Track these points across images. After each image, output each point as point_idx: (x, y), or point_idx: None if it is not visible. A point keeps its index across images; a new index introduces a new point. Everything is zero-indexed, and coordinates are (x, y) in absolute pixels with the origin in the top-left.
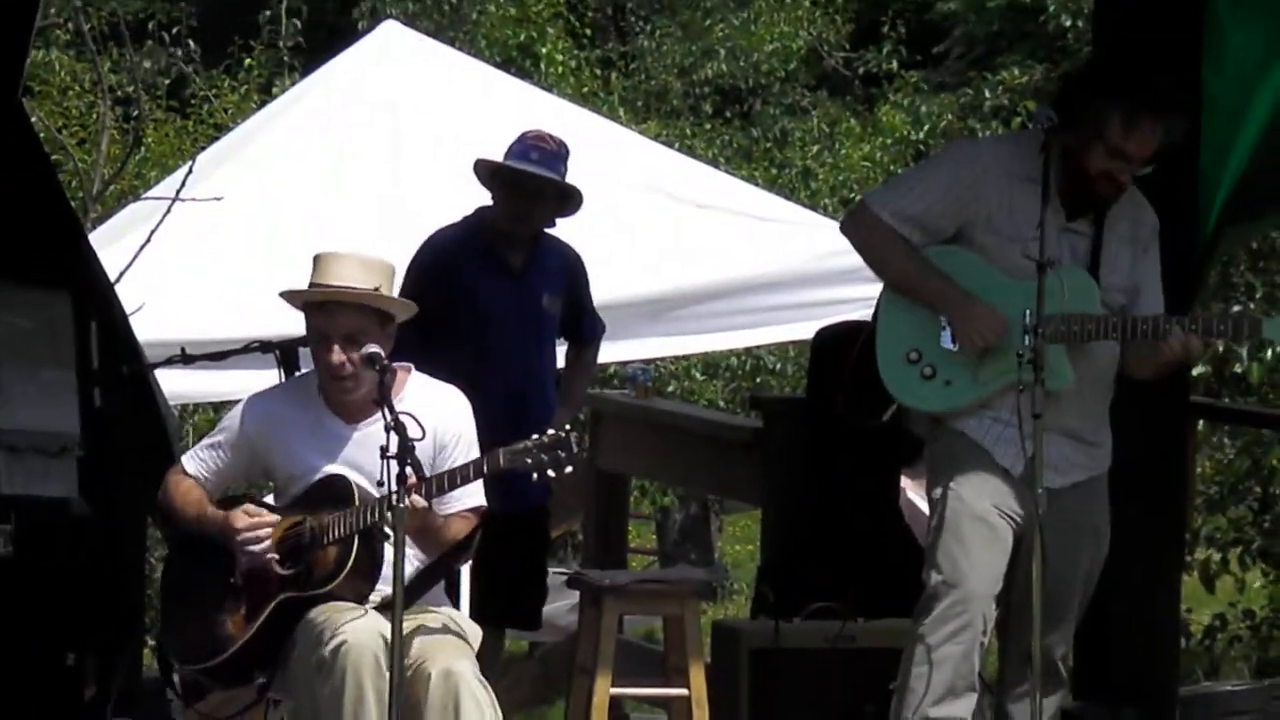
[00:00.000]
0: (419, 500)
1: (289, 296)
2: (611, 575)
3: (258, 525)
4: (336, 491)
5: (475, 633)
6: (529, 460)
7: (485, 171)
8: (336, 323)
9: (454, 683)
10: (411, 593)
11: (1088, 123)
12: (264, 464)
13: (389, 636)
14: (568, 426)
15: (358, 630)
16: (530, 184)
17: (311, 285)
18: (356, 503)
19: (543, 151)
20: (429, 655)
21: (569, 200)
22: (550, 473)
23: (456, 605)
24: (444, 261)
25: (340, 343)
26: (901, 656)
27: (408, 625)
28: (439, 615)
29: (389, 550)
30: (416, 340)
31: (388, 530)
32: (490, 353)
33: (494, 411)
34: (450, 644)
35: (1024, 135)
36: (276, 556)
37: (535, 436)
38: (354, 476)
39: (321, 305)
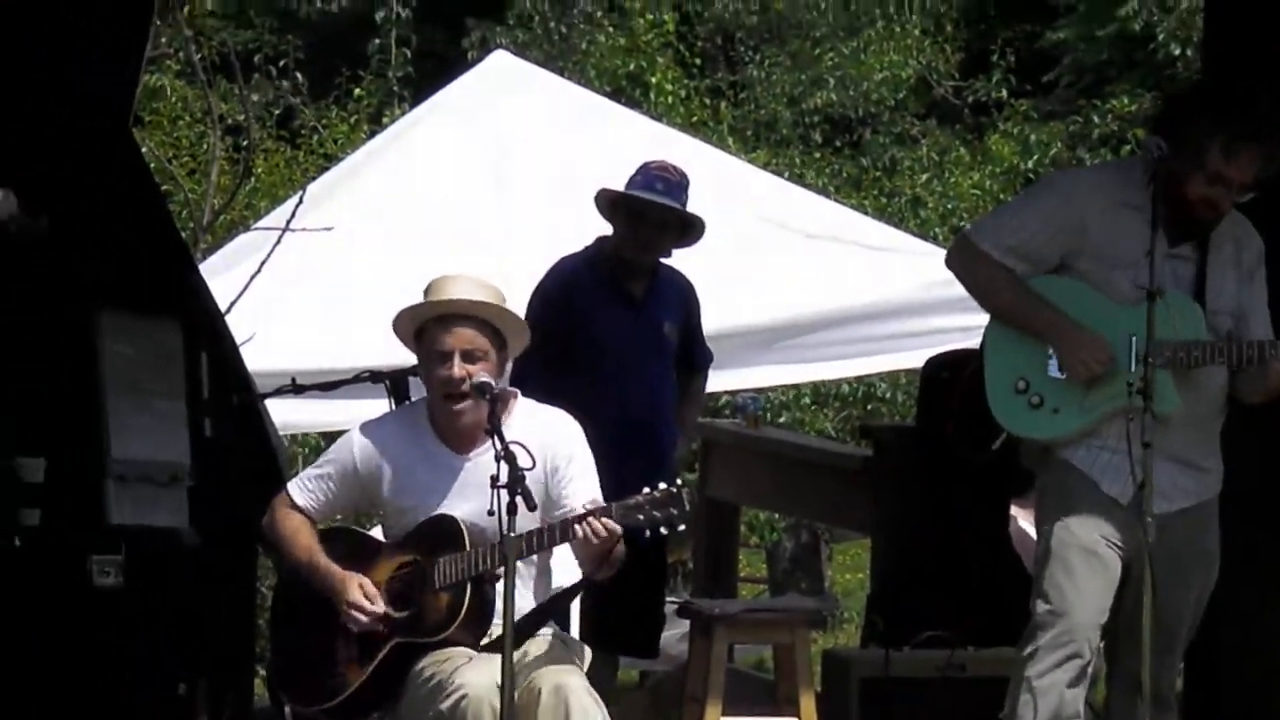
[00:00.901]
0: (607, 524)
1: (410, 313)
2: (722, 604)
3: (365, 608)
4: (446, 532)
5: (584, 652)
6: (640, 517)
7: (607, 202)
8: (456, 336)
9: (563, 696)
10: (524, 631)
11: (1189, 148)
12: (372, 495)
13: (499, 680)
14: (679, 482)
15: (475, 684)
16: (654, 214)
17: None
18: (467, 546)
19: (667, 182)
20: (538, 674)
21: (691, 230)
22: (662, 530)
23: (566, 628)
24: (567, 290)
25: (460, 357)
26: (1009, 685)
27: (517, 655)
28: (548, 638)
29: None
30: (539, 369)
31: (499, 574)
32: (611, 380)
33: (617, 440)
34: (559, 661)
35: (1127, 163)
36: (387, 609)
37: (647, 491)
38: (464, 511)
39: (441, 320)
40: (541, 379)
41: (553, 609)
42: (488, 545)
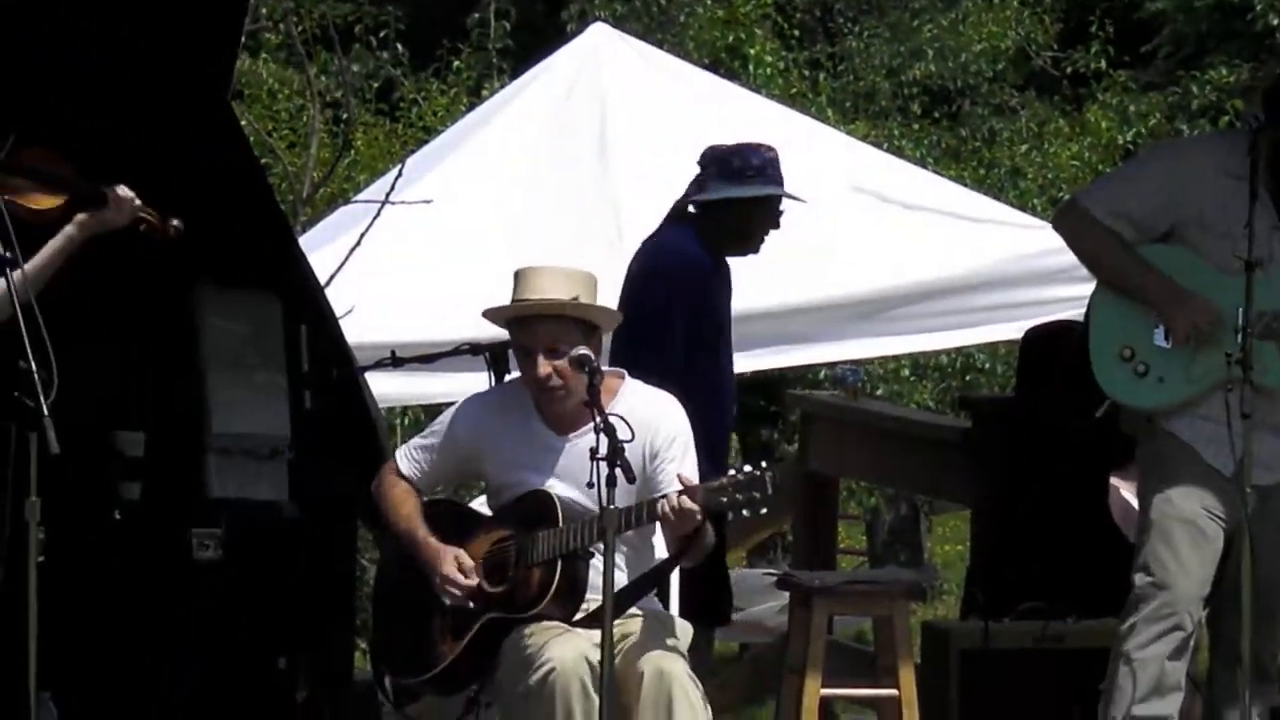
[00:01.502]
0: (687, 503)
1: (492, 315)
2: (821, 576)
3: (459, 582)
4: (542, 508)
5: (686, 631)
6: (723, 499)
7: (749, 202)
8: (537, 336)
9: (666, 682)
10: (621, 604)
11: None
12: (475, 469)
13: (595, 655)
14: (764, 464)
15: (564, 658)
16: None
17: (512, 301)
18: (560, 523)
19: (778, 167)
20: (640, 656)
21: None
22: (745, 513)
23: (666, 606)
24: (706, 269)
25: (543, 355)
26: (1109, 656)
27: (617, 634)
28: (648, 617)
29: (597, 565)
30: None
31: (593, 550)
32: (728, 361)
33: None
34: (661, 644)
35: (1233, 133)
36: (482, 582)
37: (732, 473)
38: (563, 489)
39: (522, 320)
40: (684, 357)
41: (646, 587)
42: (580, 522)
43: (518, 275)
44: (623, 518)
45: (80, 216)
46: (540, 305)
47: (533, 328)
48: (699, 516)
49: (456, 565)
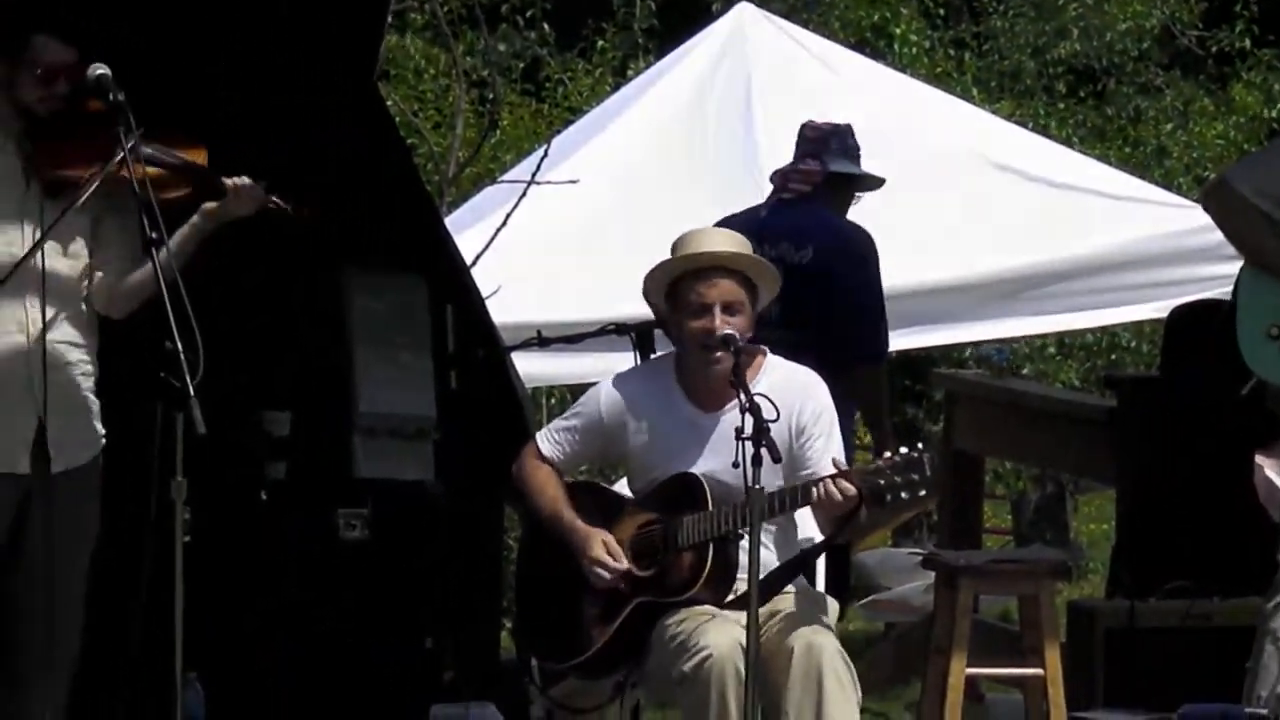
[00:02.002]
0: (846, 486)
1: (669, 265)
2: (967, 555)
3: (609, 565)
4: (689, 491)
5: (833, 607)
6: (881, 482)
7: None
8: (718, 288)
9: (816, 657)
10: (771, 587)
11: None
12: (619, 449)
13: (745, 641)
14: (920, 447)
15: (719, 644)
16: None
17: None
18: (710, 507)
19: None
20: (790, 632)
21: None
22: (903, 496)
23: (812, 582)
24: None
25: (720, 309)
26: (1255, 635)
27: (765, 613)
28: (798, 593)
29: (746, 545)
30: None
31: (743, 532)
32: None
33: None
34: (811, 620)
35: None
36: (631, 566)
37: (889, 455)
38: (709, 467)
39: (700, 273)
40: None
41: (797, 569)
42: (731, 505)
43: (685, 237)
44: (776, 501)
45: (206, 206)
46: (725, 256)
47: (712, 280)
48: (856, 500)
49: (605, 548)
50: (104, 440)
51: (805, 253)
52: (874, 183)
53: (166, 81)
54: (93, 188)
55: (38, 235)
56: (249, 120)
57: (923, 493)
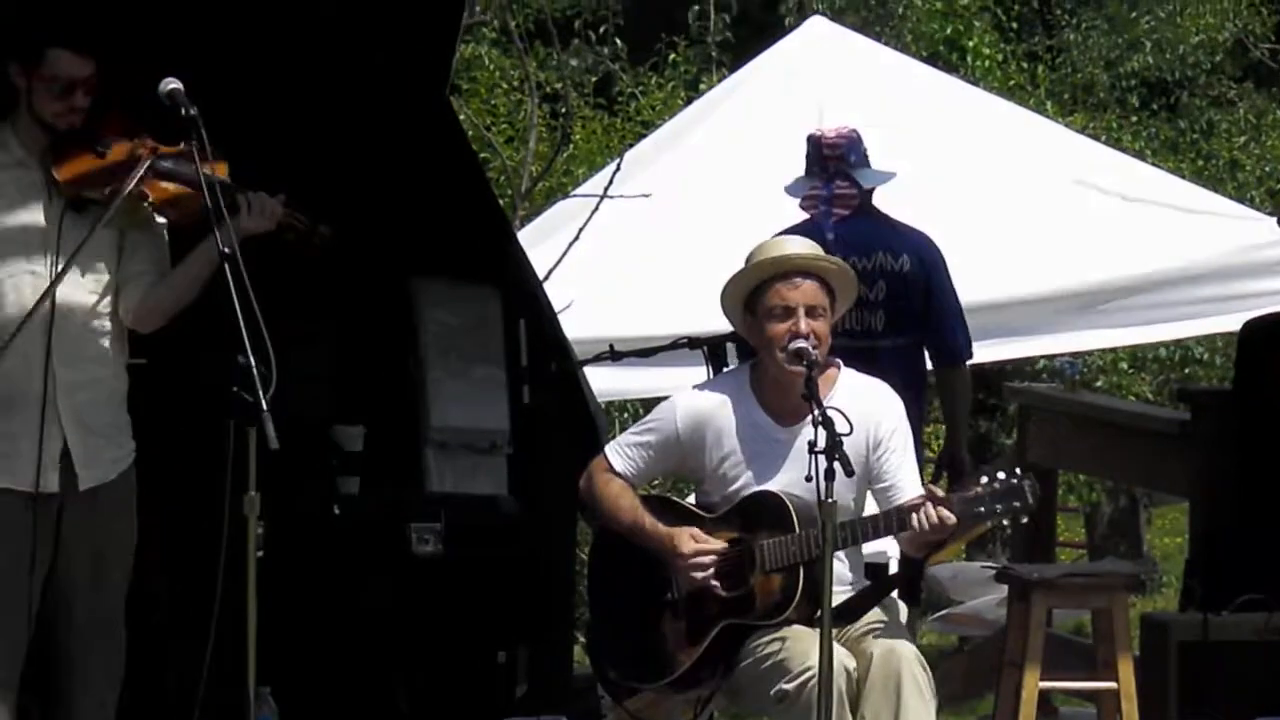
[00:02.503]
0: (945, 514)
1: (750, 272)
2: (1040, 569)
3: (703, 553)
4: (772, 511)
5: (901, 610)
6: (981, 509)
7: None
8: (801, 291)
9: (895, 662)
10: (859, 608)
11: None
12: (693, 463)
13: (850, 661)
14: (1019, 471)
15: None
16: None
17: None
18: (796, 528)
19: None
20: (870, 638)
21: None
22: (1004, 523)
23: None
24: None
25: (804, 313)
26: None
27: (853, 629)
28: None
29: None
30: None
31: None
32: None
33: None
34: (891, 627)
35: None
36: (715, 585)
37: (987, 480)
38: (786, 482)
39: (782, 276)
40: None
41: (886, 591)
42: (817, 527)
43: (763, 245)
44: (870, 526)
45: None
46: (806, 259)
47: (794, 283)
48: (952, 529)
49: (695, 541)
50: (134, 454)
51: (903, 260)
52: (886, 178)
53: (235, 96)
54: (116, 204)
55: (60, 251)
56: (321, 134)
57: (1024, 519)
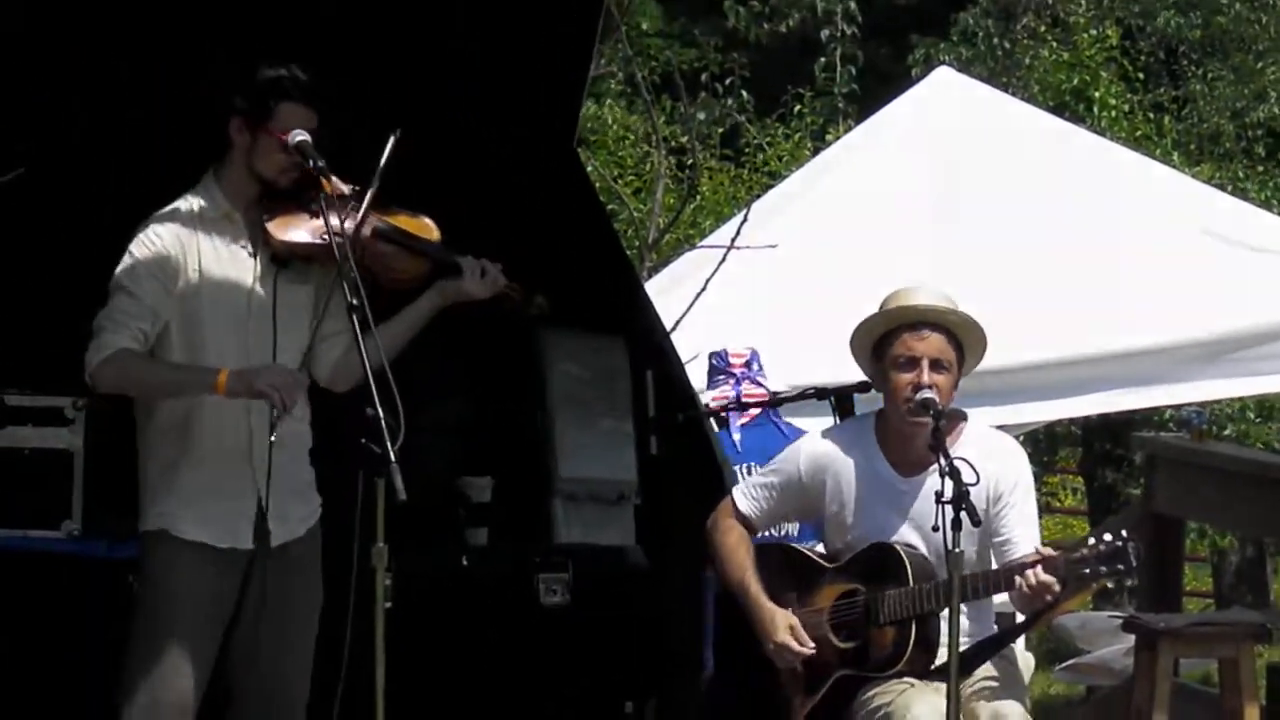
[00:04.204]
0: (1048, 578)
1: (880, 318)
2: (1167, 619)
3: (793, 651)
4: (890, 564)
5: (1029, 664)
6: (1086, 571)
7: None
8: (928, 343)
9: None
10: (970, 663)
11: None
12: (815, 507)
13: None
14: (1124, 533)
15: (923, 716)
16: None
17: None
18: (910, 582)
19: None
20: (980, 700)
21: None
22: (1108, 585)
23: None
24: None
25: (928, 365)
26: None
27: (965, 682)
28: (994, 659)
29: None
30: None
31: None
32: None
33: None
34: (1003, 688)
35: None
36: (832, 637)
37: (1092, 542)
38: (907, 533)
39: (911, 327)
40: None
41: (997, 646)
42: (931, 581)
43: (897, 292)
44: (980, 585)
45: (442, 284)
46: (937, 311)
47: (921, 334)
48: (1057, 593)
49: (790, 633)
50: (320, 511)
51: None
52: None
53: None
54: (342, 270)
55: (264, 306)
56: (452, 185)
57: (1129, 582)
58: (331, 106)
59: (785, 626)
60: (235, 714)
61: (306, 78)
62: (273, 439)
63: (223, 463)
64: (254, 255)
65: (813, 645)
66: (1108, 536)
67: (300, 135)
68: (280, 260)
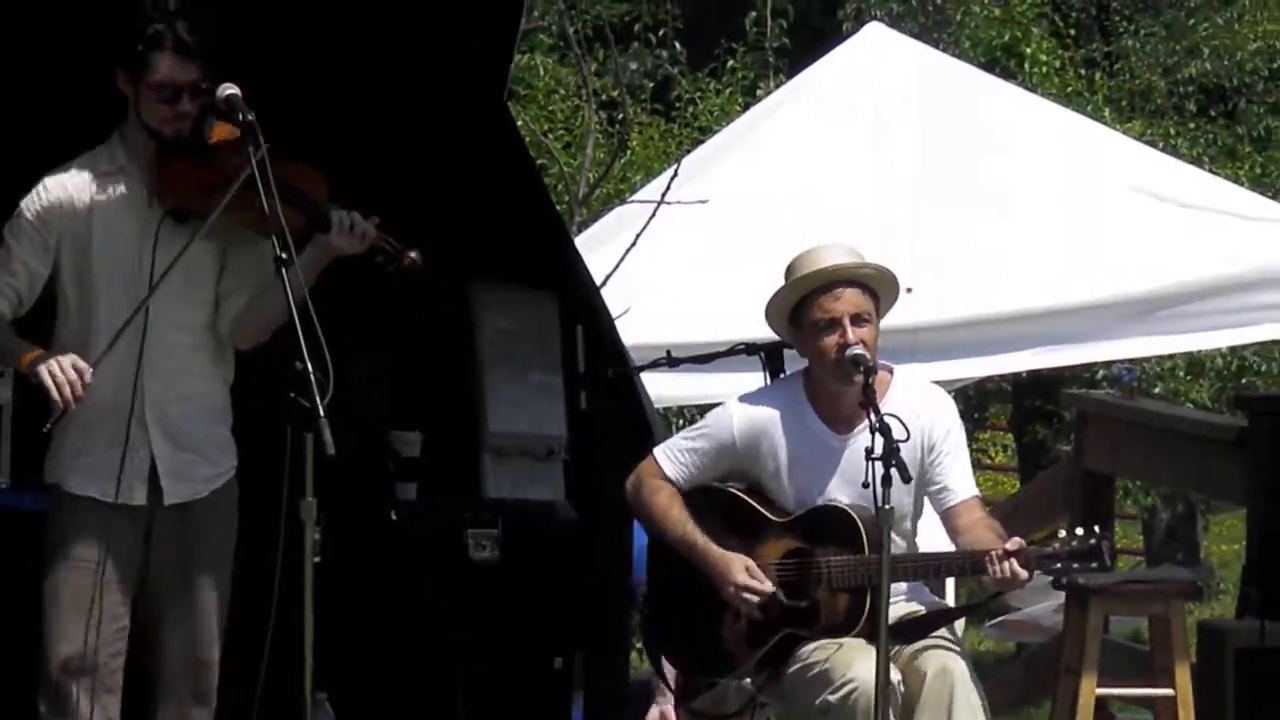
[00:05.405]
0: (1019, 570)
1: (792, 287)
2: (1097, 576)
3: (755, 590)
4: (842, 528)
5: (960, 625)
6: (1057, 566)
7: None
8: (844, 301)
9: (949, 681)
10: (921, 631)
11: None
12: (746, 470)
13: (895, 674)
14: (1097, 529)
15: (865, 678)
16: None
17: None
18: (865, 549)
19: None
20: (923, 654)
21: None
22: (1080, 581)
23: (943, 596)
24: None
25: (850, 321)
26: None
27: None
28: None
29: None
30: None
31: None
32: None
33: None
34: (945, 643)
35: None
36: (778, 593)
37: (1064, 535)
38: (842, 490)
39: (826, 288)
40: None
41: (945, 620)
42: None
43: (802, 256)
44: (944, 565)
45: (316, 238)
46: (846, 269)
47: (837, 294)
48: (1024, 583)
49: (748, 573)
50: (233, 471)
51: None
52: None
53: (292, 101)
54: (215, 215)
55: (156, 263)
56: (378, 139)
57: (1094, 581)
58: (227, 59)
59: (742, 568)
60: (150, 672)
61: (187, 29)
62: (46, 429)
63: (113, 419)
64: (149, 209)
65: (773, 584)
66: (1080, 531)
67: (229, 89)
68: (177, 216)
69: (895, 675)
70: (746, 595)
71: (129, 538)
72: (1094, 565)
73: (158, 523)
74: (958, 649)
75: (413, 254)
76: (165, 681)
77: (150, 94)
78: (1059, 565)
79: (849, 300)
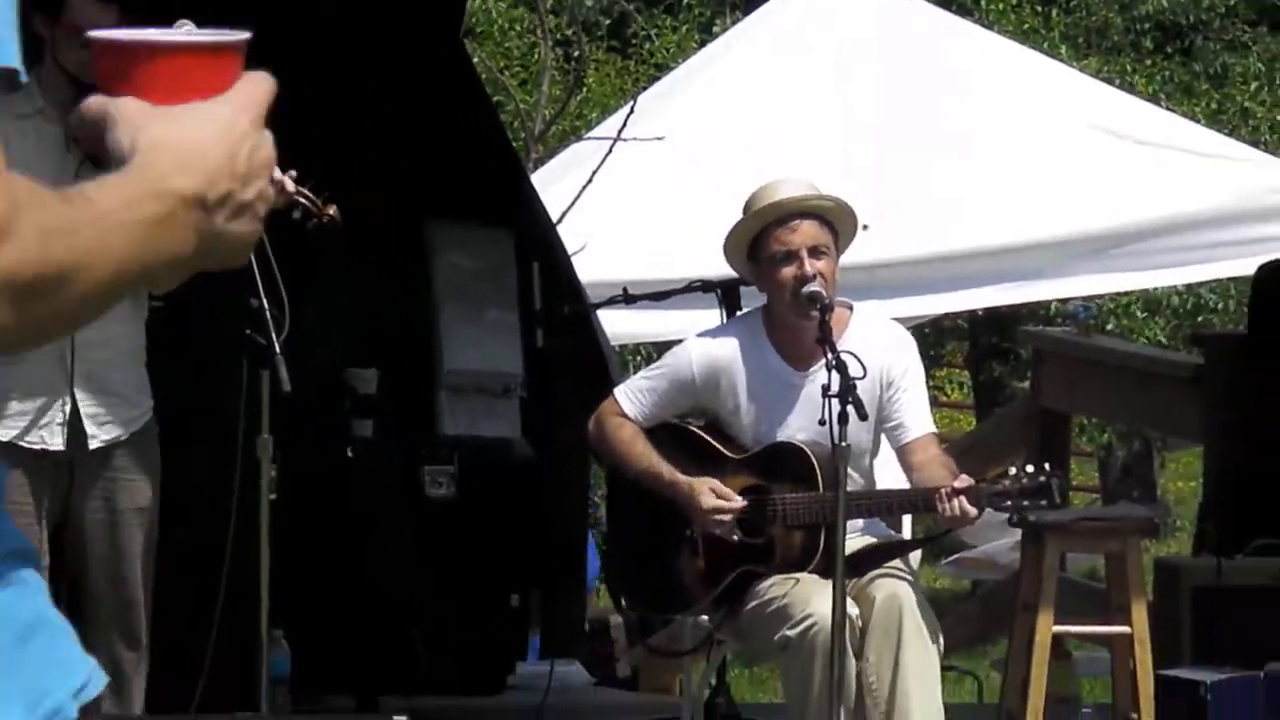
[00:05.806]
0: (968, 508)
1: (750, 221)
2: (1054, 513)
3: (725, 510)
4: (798, 465)
5: (915, 556)
6: (1008, 502)
7: None
8: (801, 233)
9: (896, 605)
10: (874, 561)
11: None
12: (706, 407)
13: (853, 609)
14: (1047, 466)
15: (823, 613)
16: None
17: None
18: (821, 488)
19: None
20: (874, 581)
21: None
22: (1030, 517)
23: (900, 531)
24: None
25: (807, 254)
26: None
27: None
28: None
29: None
30: None
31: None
32: None
33: None
34: (895, 570)
35: None
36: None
37: (1015, 472)
38: (801, 426)
39: (781, 221)
40: None
41: (898, 552)
42: (845, 492)
43: (760, 190)
44: (895, 502)
45: None
46: (804, 201)
47: (794, 226)
48: (974, 520)
49: (715, 495)
50: (151, 412)
51: None
52: None
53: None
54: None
55: None
56: (333, 78)
57: (1052, 517)
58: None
59: (708, 490)
60: (81, 619)
61: None
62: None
63: (31, 363)
64: (67, 153)
65: (743, 501)
66: (1030, 469)
67: (184, 25)
68: (94, 159)
69: (853, 610)
70: (717, 517)
71: (55, 483)
72: (1044, 503)
73: (80, 467)
74: (910, 578)
75: (332, 210)
76: (93, 623)
77: (68, 37)
78: (1009, 502)
79: (806, 232)
